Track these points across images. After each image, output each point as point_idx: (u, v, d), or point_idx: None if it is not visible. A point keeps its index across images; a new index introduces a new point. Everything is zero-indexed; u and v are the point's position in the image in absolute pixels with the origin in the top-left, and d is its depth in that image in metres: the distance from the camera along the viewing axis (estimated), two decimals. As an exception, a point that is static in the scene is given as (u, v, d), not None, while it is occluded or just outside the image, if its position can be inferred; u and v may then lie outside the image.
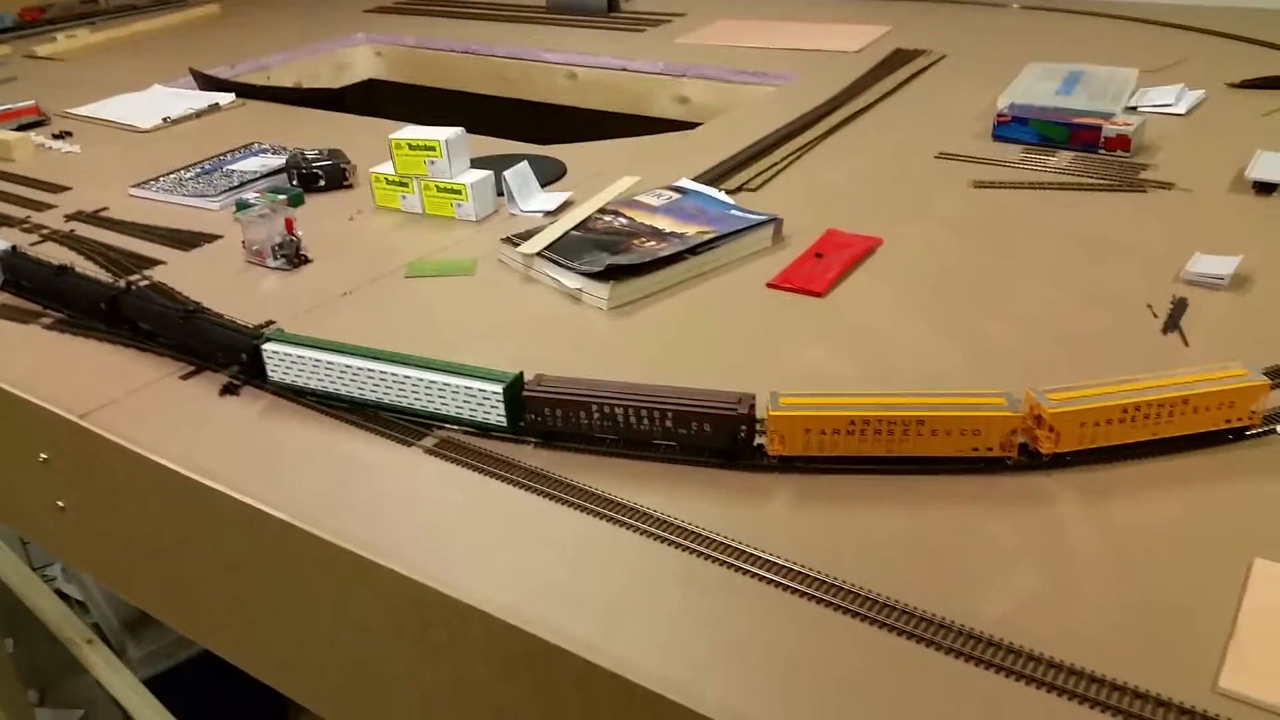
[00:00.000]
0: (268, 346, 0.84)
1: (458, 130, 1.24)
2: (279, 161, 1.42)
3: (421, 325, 0.99)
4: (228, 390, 0.87)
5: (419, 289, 1.07)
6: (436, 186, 1.23)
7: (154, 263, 1.15)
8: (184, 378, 0.90)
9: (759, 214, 1.13)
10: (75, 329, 1.00)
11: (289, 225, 1.12)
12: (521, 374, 0.78)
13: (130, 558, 0.88)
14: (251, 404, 0.86)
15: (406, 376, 0.79)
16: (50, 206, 1.35)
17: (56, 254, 1.18)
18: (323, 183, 1.35)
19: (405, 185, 1.25)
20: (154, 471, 0.79)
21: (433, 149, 1.22)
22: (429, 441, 0.79)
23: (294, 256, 1.12)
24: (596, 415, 0.74)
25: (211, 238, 1.22)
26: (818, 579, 0.63)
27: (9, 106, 1.69)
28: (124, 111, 1.76)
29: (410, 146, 1.22)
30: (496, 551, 0.68)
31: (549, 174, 1.34)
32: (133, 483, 0.82)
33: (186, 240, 1.21)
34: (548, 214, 1.23)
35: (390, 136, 1.24)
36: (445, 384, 0.78)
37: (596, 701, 0.60)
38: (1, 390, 0.88)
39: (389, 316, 1.01)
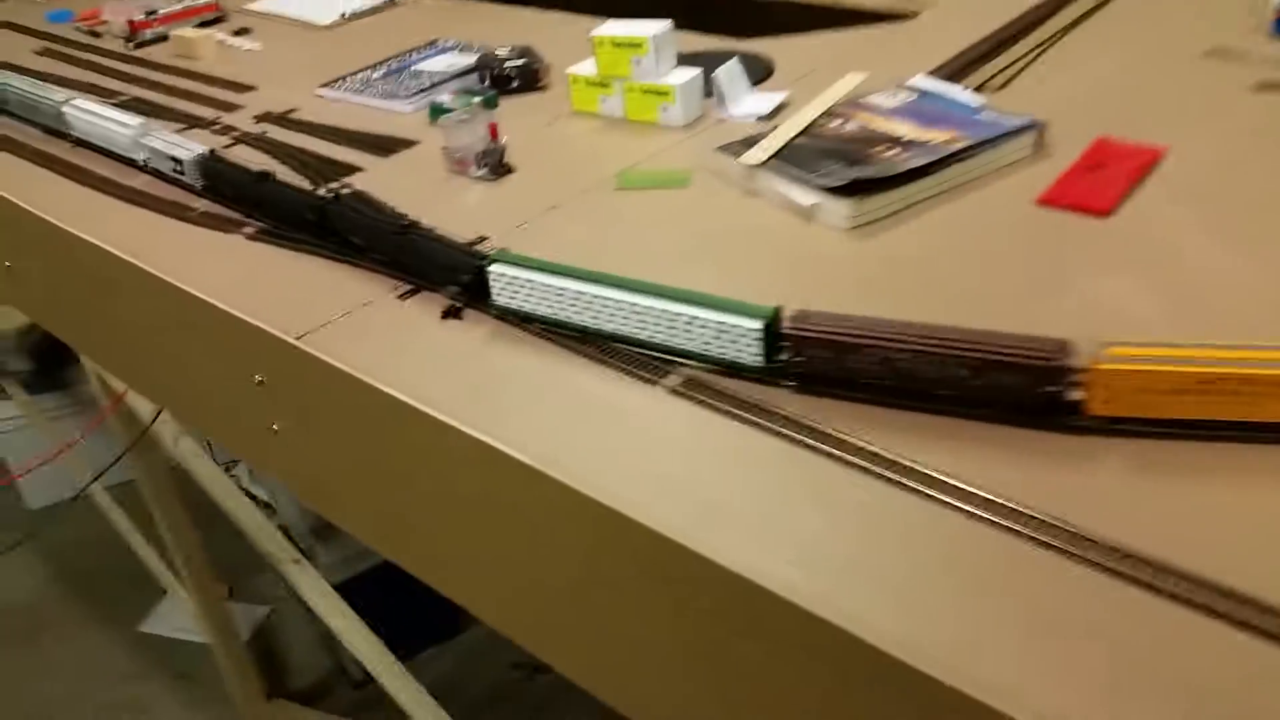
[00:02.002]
0: (494, 269, 0.77)
1: (665, 24, 1.13)
2: (468, 61, 1.34)
3: (636, 244, 0.91)
4: (450, 314, 0.81)
5: (630, 203, 0.98)
6: (641, 88, 1.13)
7: (352, 169, 1.10)
8: (401, 297, 0.85)
9: (1014, 117, 0.99)
10: (280, 240, 0.96)
11: (493, 131, 1.04)
12: (779, 309, 0.69)
13: (347, 486, 0.84)
14: (475, 329, 0.80)
15: (649, 308, 0.71)
16: (238, 107, 1.31)
17: (251, 158, 1.14)
18: (516, 84, 1.27)
19: (606, 87, 1.15)
20: (376, 399, 0.74)
21: (639, 46, 1.11)
22: (673, 380, 0.71)
23: (498, 165, 1.05)
24: (872, 359, 0.65)
25: (408, 143, 1.15)
26: (1175, 571, 0.52)
27: (190, 3, 1.66)
28: (301, 7, 1.71)
29: (615, 44, 1.12)
30: (766, 513, 0.60)
31: (754, 74, 1.22)
32: (352, 409, 0.77)
33: (383, 145, 1.15)
34: (762, 118, 1.12)
35: (593, 33, 1.14)
36: (694, 318, 0.69)
37: (898, 702, 0.52)
38: (214, 308, 0.85)
39: (601, 234, 0.93)
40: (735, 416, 0.67)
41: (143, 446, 1.67)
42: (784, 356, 0.68)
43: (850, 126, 1.02)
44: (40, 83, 1.28)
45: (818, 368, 0.67)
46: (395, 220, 0.88)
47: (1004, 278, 0.80)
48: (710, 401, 0.69)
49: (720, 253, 0.88)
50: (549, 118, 1.19)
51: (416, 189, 1.05)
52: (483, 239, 0.92)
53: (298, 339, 0.79)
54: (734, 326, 0.68)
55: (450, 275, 0.82)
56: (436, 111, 1.20)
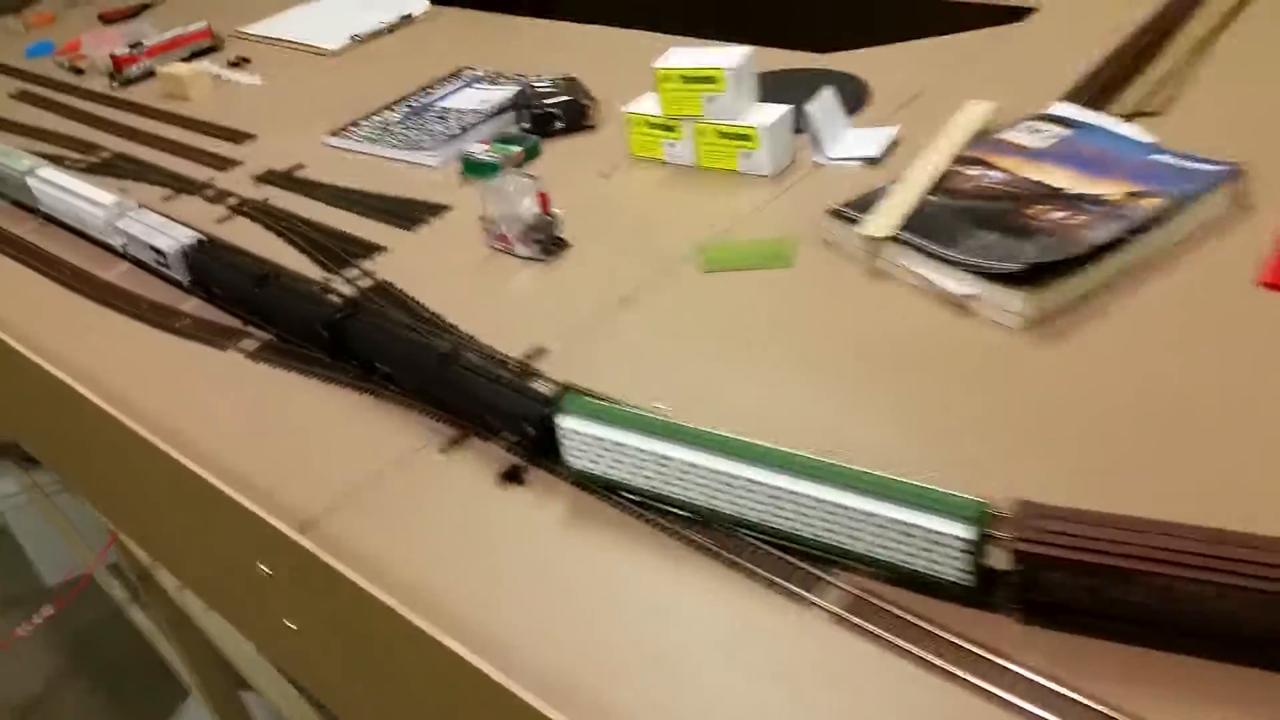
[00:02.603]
0: (565, 423, 0.58)
1: (744, 52, 0.92)
2: (500, 95, 1.14)
3: (741, 360, 0.70)
4: (510, 477, 0.62)
5: (723, 292, 0.78)
6: (716, 131, 0.93)
7: (372, 249, 0.90)
8: (445, 449, 0.66)
9: (1201, 160, 0.78)
10: (288, 359, 0.77)
11: (544, 203, 0.85)
12: (988, 509, 0.48)
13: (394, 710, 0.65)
14: (545, 501, 0.60)
15: (791, 492, 0.51)
16: (234, 163, 1.12)
17: (250, 235, 0.95)
18: (559, 125, 1.07)
19: (672, 130, 0.95)
20: (413, 635, 0.54)
21: (714, 80, 0.91)
22: (834, 596, 0.52)
23: (551, 242, 0.85)
24: (1150, 590, 0.45)
25: (437, 208, 0.96)
26: None
27: (178, 31, 1.47)
28: (305, 28, 1.51)
29: (683, 78, 0.92)
30: None
31: (846, 99, 1.01)
32: (384, 637, 0.58)
33: (408, 213, 0.95)
34: (868, 162, 0.92)
35: (656, 64, 0.93)
36: (861, 512, 0.50)
37: None
38: (204, 483, 0.66)
39: (693, 342, 0.73)
40: (939, 670, 0.47)
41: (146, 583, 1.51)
42: (1014, 575, 0.48)
43: (993, 177, 0.82)
44: (2, 145, 1.10)
45: (1060, 595, 0.47)
46: (430, 343, 0.68)
47: (1258, 408, 0.59)
48: (890, 638, 0.49)
49: (851, 369, 0.67)
50: (603, 167, 0.99)
51: (452, 275, 0.85)
52: (539, 352, 0.73)
53: (304, 532, 0.60)
54: (924, 530, 0.48)
55: (508, 422, 0.62)
56: (471, 167, 1.00)
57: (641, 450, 0.55)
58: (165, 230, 0.86)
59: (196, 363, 0.79)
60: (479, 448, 0.65)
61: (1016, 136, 0.86)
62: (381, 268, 0.87)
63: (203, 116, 1.26)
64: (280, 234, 0.95)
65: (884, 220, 0.77)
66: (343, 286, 0.84)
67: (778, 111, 0.92)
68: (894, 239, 0.75)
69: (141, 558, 1.50)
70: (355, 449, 0.67)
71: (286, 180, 1.05)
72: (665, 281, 0.80)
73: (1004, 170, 0.82)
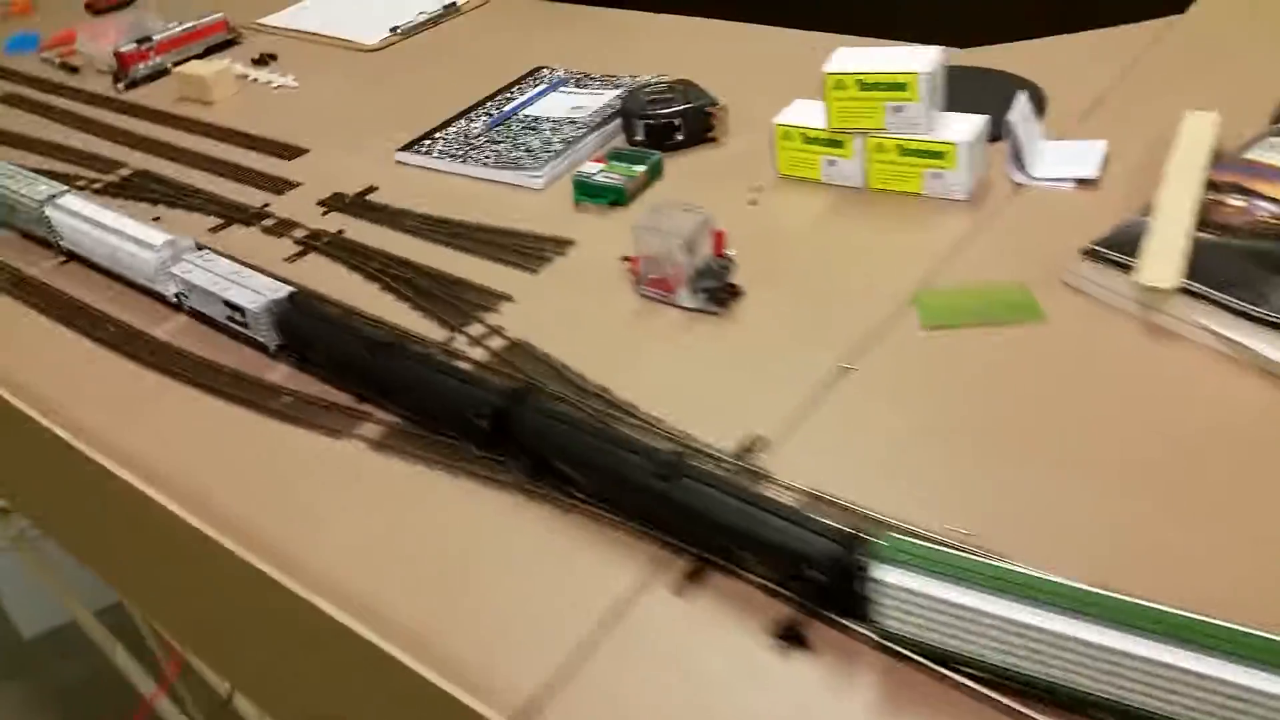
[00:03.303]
0: (885, 575, 0.43)
1: (934, 54, 0.77)
2: (596, 102, 0.98)
3: (1010, 447, 0.55)
4: (789, 636, 0.46)
5: (957, 353, 0.63)
6: (900, 147, 0.78)
7: (492, 296, 0.74)
8: (679, 590, 0.50)
9: None
10: (425, 451, 0.60)
11: (719, 241, 0.69)
12: None
13: None
14: (845, 672, 0.45)
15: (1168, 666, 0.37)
16: (289, 184, 0.94)
17: (329, 276, 0.78)
18: (680, 137, 0.91)
19: (839, 145, 0.80)
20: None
21: (904, 88, 0.76)
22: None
23: (723, 290, 0.70)
24: None
25: (559, 243, 0.80)
26: None
27: (193, 24, 1.28)
28: (334, 20, 1.33)
29: (862, 85, 0.77)
30: None
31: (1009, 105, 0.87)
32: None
33: (526, 249, 0.79)
34: (1082, 183, 0.77)
35: (826, 69, 0.78)
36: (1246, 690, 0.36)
37: None
38: (356, 638, 0.49)
39: (935, 423, 0.58)
40: None
41: None
42: None
43: (1265, 209, 0.68)
44: (13, 167, 0.91)
45: None
46: (646, 449, 0.52)
47: None
48: None
49: (1160, 466, 0.53)
50: (746, 190, 0.84)
51: (601, 332, 0.69)
52: (757, 443, 0.57)
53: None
54: None
55: (776, 557, 0.47)
56: (587, 191, 0.84)
57: (998, 617, 0.41)
58: (242, 280, 0.69)
59: (306, 456, 0.62)
60: (723, 586, 0.50)
61: (1267, 155, 0.73)
62: (509, 321, 0.71)
63: (234, 124, 1.08)
64: (371, 276, 0.78)
65: (1165, 265, 0.63)
66: (467, 348, 0.69)
67: (975, 124, 0.77)
68: (1189, 292, 0.61)
69: (218, 684, 1.32)
70: (548, 586, 0.51)
71: (360, 207, 0.88)
72: (880, 344, 0.65)
73: (1265, 195, 0.68)
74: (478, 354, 0.68)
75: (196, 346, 0.72)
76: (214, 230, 0.87)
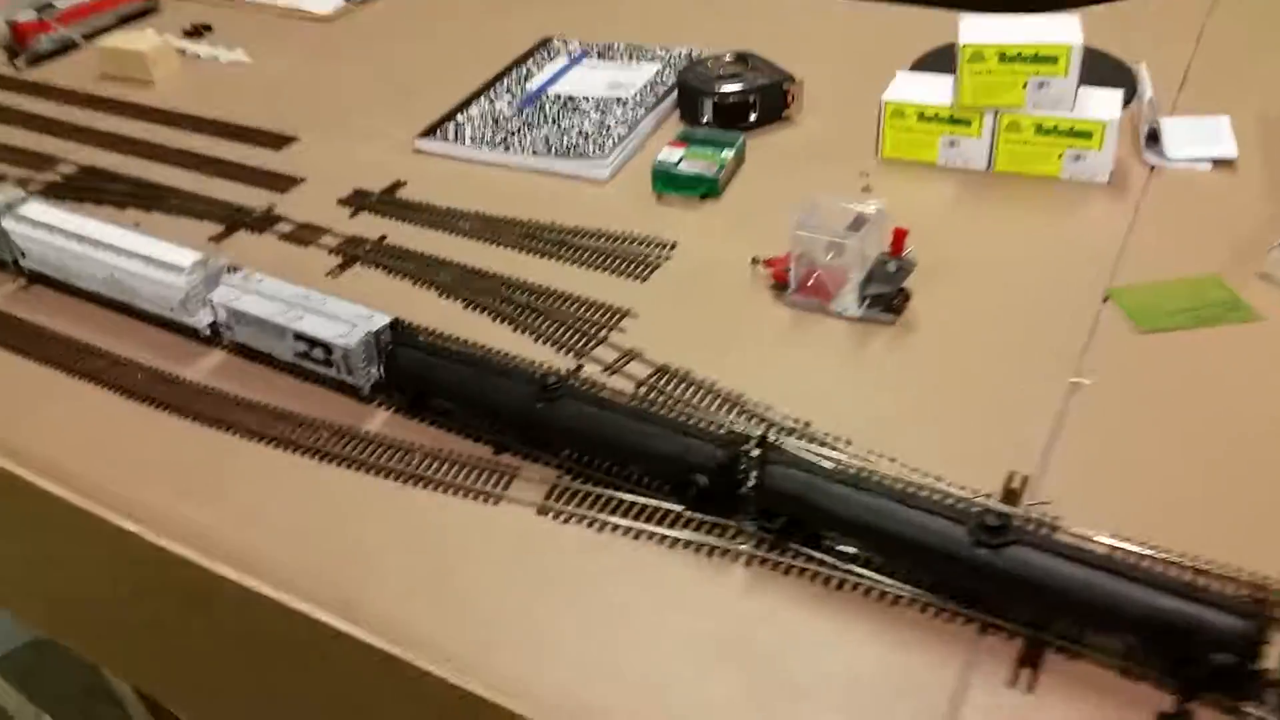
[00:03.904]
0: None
1: (1074, 22, 0.70)
2: (636, 77, 0.86)
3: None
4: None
5: (1185, 360, 0.55)
6: (1037, 125, 0.70)
7: (608, 311, 0.62)
8: (1011, 682, 0.40)
9: None
10: (603, 511, 0.48)
11: (898, 239, 0.59)
12: None
13: None
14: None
15: None
16: (292, 180, 0.77)
17: (393, 293, 0.64)
18: (753, 116, 0.81)
19: (965, 124, 0.72)
20: None
21: (1053, 60, 0.68)
22: None
23: (898, 297, 0.60)
24: None
25: (660, 245, 0.68)
26: None
27: (103, -12, 1.08)
28: (272, -15, 1.15)
29: (1003, 57, 0.68)
30: None
31: (1097, 78, 0.80)
32: None
33: (624, 254, 0.67)
34: (1220, 163, 0.72)
35: (963, 41, 0.69)
36: None
37: None
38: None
39: (1204, 450, 0.50)
40: None
41: None
42: None
43: None
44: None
45: None
46: (932, 505, 0.42)
47: None
48: None
49: None
50: (849, 175, 0.74)
51: (758, 351, 0.58)
52: (1019, 482, 0.48)
53: None
54: None
55: (1149, 638, 0.38)
56: (669, 182, 0.73)
57: None
58: (316, 307, 0.54)
59: (460, 530, 0.49)
60: (1067, 670, 0.41)
61: None
62: (640, 341, 0.59)
63: (187, 107, 0.90)
64: (447, 292, 0.64)
65: (1398, 255, 0.57)
66: (605, 377, 0.56)
67: (1116, 101, 0.70)
68: None
69: None
70: (844, 685, 0.41)
71: (394, 205, 0.74)
72: (1095, 350, 0.56)
73: None
74: (620, 383, 0.56)
75: (255, 391, 0.57)
76: (215, 239, 0.71)
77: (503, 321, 0.61)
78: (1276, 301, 0.59)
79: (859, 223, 0.60)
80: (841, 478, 0.44)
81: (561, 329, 0.60)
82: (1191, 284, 0.61)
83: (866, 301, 0.59)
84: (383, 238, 0.70)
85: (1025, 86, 0.68)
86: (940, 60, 0.85)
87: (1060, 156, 0.70)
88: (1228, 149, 0.71)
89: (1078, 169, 0.70)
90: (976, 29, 0.69)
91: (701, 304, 0.63)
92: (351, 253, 0.68)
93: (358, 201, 0.74)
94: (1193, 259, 0.63)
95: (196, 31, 1.05)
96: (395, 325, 0.54)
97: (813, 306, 0.61)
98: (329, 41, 1.04)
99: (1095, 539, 0.45)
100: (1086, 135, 0.68)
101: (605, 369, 0.57)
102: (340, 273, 0.67)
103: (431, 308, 0.63)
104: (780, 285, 0.62)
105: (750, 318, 0.61)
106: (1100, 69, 0.79)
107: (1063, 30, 0.67)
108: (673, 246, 0.68)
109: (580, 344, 0.59)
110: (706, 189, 0.72)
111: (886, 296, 0.59)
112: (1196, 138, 0.73)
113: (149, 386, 0.57)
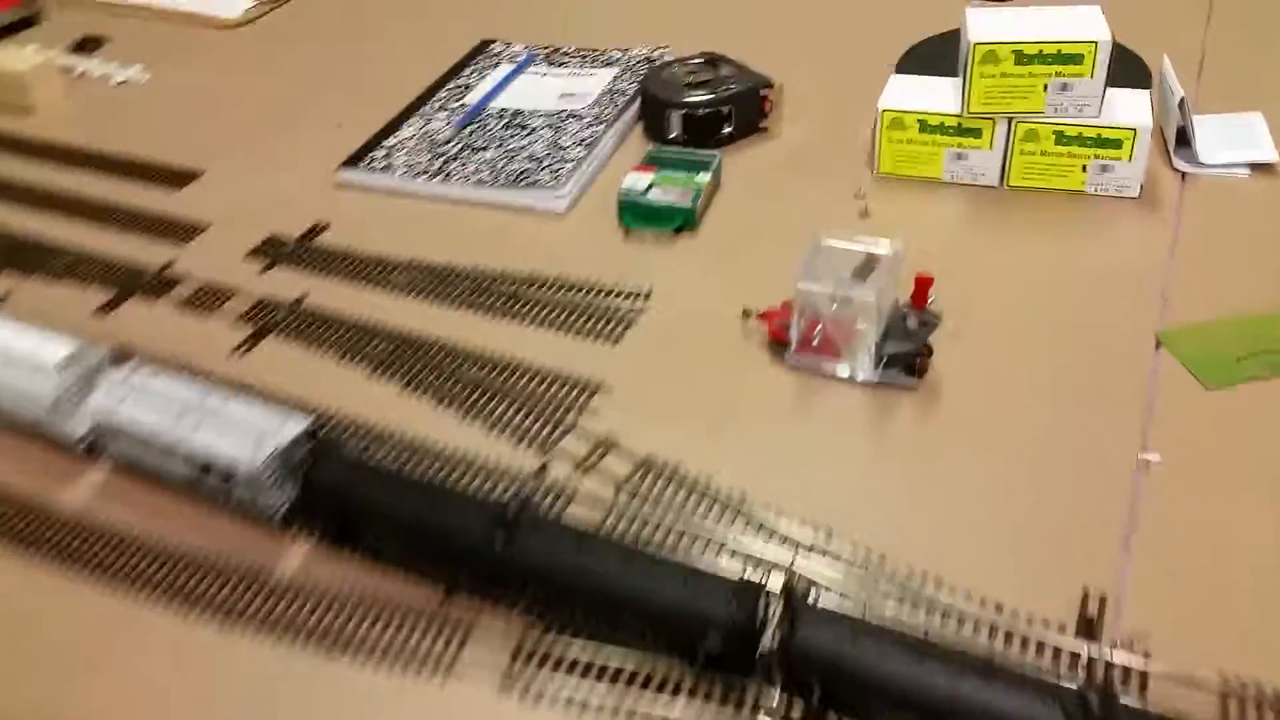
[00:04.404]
0: None
1: (1098, 13, 0.60)
2: (590, 86, 0.75)
3: None
4: None
5: (1252, 414, 0.47)
6: (1058, 134, 0.61)
7: (574, 387, 0.52)
8: None
9: None
10: (578, 688, 0.39)
11: (922, 289, 0.50)
12: None
13: None
14: None
15: None
16: (195, 227, 0.65)
17: (314, 374, 0.53)
18: (729, 129, 0.70)
19: (974, 134, 0.62)
20: None
21: (1078, 60, 0.58)
22: None
23: (921, 356, 0.51)
24: None
25: (629, 295, 0.57)
26: None
27: (-28, -2, 0.94)
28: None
29: (1020, 57, 0.59)
30: None
31: (1130, 80, 0.71)
32: None
33: (590, 308, 0.56)
34: (1259, 167, 0.63)
35: (974, 40, 0.59)
36: None
37: None
38: None
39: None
40: None
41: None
42: None
43: None
44: None
45: None
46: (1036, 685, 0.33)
47: None
48: None
49: None
50: (844, 195, 0.64)
51: (761, 431, 0.48)
52: (1095, 604, 0.39)
53: None
54: None
55: None
56: (639, 215, 0.62)
57: None
58: (215, 410, 0.44)
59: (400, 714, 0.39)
60: None
61: None
62: (616, 424, 0.49)
63: (72, 139, 0.77)
64: (381, 367, 0.53)
65: None
66: (574, 476, 0.46)
67: (1144, 103, 0.61)
68: None
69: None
70: None
71: (315, 256, 0.62)
72: (1159, 413, 0.48)
73: None
74: (594, 486, 0.46)
75: (145, 520, 0.46)
76: (102, 311, 0.59)
77: (448, 405, 0.51)
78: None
79: (868, 267, 0.51)
80: (895, 639, 0.35)
81: (520, 413, 0.50)
82: (1254, 322, 0.52)
83: (883, 362, 0.50)
84: (301, 299, 0.59)
85: (1045, 89, 0.59)
86: (931, 52, 0.75)
87: (1084, 168, 0.61)
88: (1267, 152, 0.63)
89: (1104, 182, 0.61)
90: (985, 23, 0.59)
91: (686, 370, 0.53)
92: (263, 321, 0.57)
93: (271, 252, 0.63)
94: (1245, 284, 0.55)
95: (85, 46, 0.92)
96: (314, 433, 0.43)
97: (818, 368, 0.52)
98: (239, 52, 0.92)
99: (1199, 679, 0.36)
100: (1115, 144, 0.59)
101: (576, 466, 0.47)
102: (249, 349, 0.56)
103: (361, 392, 0.52)
104: (779, 343, 0.53)
105: (746, 387, 0.51)
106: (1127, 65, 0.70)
107: (1085, 22, 0.58)
108: (647, 295, 0.58)
109: (544, 433, 0.49)
110: (682, 222, 0.62)
111: (906, 355, 0.50)
112: (1230, 140, 0.64)
113: (7, 521, 0.46)
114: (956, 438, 0.48)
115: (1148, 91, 0.62)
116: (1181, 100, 0.63)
